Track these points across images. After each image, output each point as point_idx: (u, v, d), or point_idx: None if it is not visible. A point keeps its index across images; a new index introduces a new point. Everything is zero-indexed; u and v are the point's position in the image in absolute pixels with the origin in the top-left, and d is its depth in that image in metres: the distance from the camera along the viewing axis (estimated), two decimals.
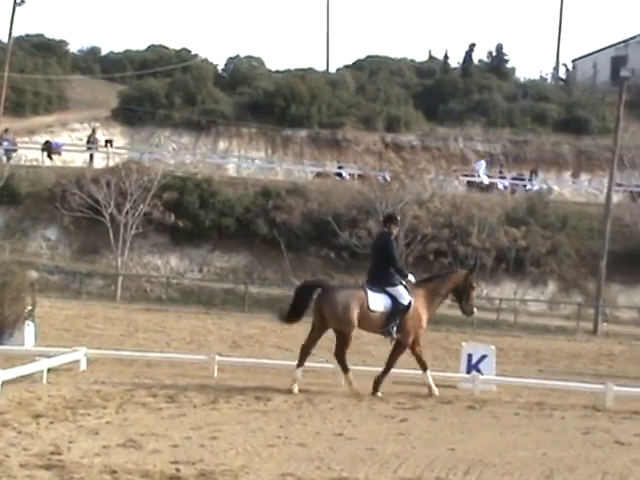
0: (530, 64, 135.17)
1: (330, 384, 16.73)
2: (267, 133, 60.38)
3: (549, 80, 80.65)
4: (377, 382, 15.86)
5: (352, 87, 66.75)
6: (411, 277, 16.17)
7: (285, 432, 11.74)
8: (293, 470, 9.45)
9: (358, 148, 49.36)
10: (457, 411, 14.64)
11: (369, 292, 15.69)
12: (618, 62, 68.02)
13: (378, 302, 15.62)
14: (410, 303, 15.71)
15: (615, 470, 10.41)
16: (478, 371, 17.55)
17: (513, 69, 79.18)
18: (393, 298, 15.70)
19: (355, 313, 15.53)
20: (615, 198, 43.94)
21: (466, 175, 50.97)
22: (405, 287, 15.87)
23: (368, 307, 15.59)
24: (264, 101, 61.20)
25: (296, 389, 15.50)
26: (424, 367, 16.20)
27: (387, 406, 14.62)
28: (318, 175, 51.81)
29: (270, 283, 43.37)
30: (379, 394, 15.62)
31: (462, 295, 16.43)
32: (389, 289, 15.76)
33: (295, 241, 43.70)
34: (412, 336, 15.87)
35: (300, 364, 15.91)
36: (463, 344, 18.50)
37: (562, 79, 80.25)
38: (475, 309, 16.67)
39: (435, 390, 15.99)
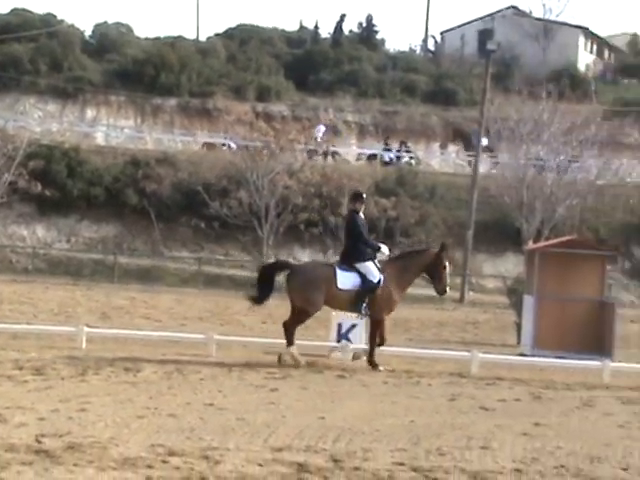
0: (399, 36, 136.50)
1: (200, 354, 16.69)
2: (136, 101, 59.54)
3: (418, 52, 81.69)
4: (370, 363, 15.96)
5: (223, 56, 66.34)
6: (384, 248, 16.11)
7: (155, 403, 11.64)
8: (163, 441, 9.39)
9: (229, 118, 49.12)
10: (327, 380, 14.75)
11: (338, 271, 15.59)
12: (485, 35, 69.30)
13: (346, 281, 15.51)
14: (380, 280, 15.54)
15: (480, 435, 10.66)
16: (348, 340, 17.72)
17: (383, 40, 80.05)
18: (362, 276, 15.55)
19: (322, 295, 15.64)
20: (482, 169, 44.83)
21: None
22: (375, 264, 15.73)
23: (336, 286, 15.52)
24: (133, 69, 60.31)
25: (302, 361, 15.87)
26: (381, 342, 16.14)
27: (257, 376, 14.63)
28: (205, 145, 51.44)
29: (140, 254, 42.96)
30: (380, 368, 15.83)
31: (434, 274, 16.21)
32: (358, 265, 15.57)
33: (165, 211, 43.37)
34: (385, 313, 15.90)
35: (290, 343, 15.94)
36: (333, 314, 18.64)
37: (431, 51, 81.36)
38: (447, 288, 16.45)
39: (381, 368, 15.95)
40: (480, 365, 16.63)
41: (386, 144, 54.10)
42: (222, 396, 12.54)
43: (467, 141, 52.31)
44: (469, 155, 51.20)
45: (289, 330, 15.91)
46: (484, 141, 49.91)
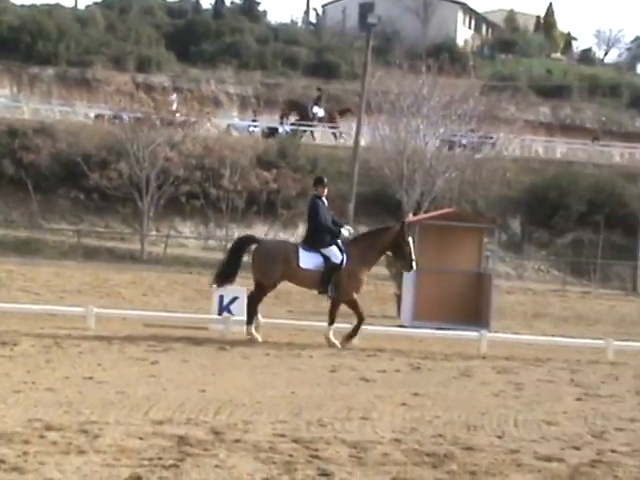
0: (281, 8, 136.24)
1: (79, 328, 16.44)
2: (12, 70, 58.03)
3: (300, 24, 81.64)
4: (354, 334, 16.41)
5: (102, 25, 65.16)
6: (344, 231, 16.38)
7: (33, 377, 11.42)
8: (41, 415, 9.22)
9: (109, 88, 48.18)
10: (208, 352, 14.71)
11: (301, 250, 16.06)
12: (366, 9, 69.64)
13: (308, 260, 15.93)
14: (342, 261, 15.90)
15: (360, 406, 10.77)
16: (229, 312, 17.68)
17: (265, 12, 79.79)
18: (325, 257, 15.93)
19: (278, 269, 16.04)
20: (363, 142, 45.08)
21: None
22: (339, 245, 16.07)
23: (297, 264, 15.95)
24: (9, 36, 58.68)
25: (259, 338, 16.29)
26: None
27: (138, 349, 14.48)
28: (97, 117, 50.39)
29: (17, 225, 41.96)
30: (336, 344, 16.17)
31: (398, 251, 16.49)
32: (322, 250, 15.97)
33: (43, 182, 42.41)
34: (352, 292, 16.19)
35: (250, 320, 16.35)
36: (214, 286, 18.57)
37: (312, 24, 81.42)
38: (414, 264, 16.47)
39: (336, 344, 16.23)
40: (361, 336, 16.79)
41: (281, 117, 53.90)
42: (101, 369, 12.38)
43: (304, 111, 52.19)
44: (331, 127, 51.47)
45: (250, 305, 16.39)
46: (319, 112, 50.19)
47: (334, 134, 51.56)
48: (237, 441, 8.66)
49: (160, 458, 7.89)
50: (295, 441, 8.82)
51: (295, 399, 10.99)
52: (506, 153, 46.23)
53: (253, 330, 16.21)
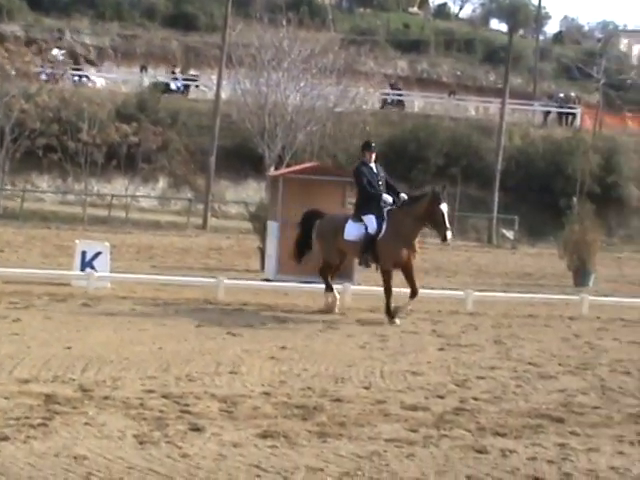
0: None
1: None
2: None
3: None
4: (388, 311, 15.12)
5: None
6: (385, 197, 15.23)
7: None
8: None
9: None
10: (72, 309, 14.49)
11: (349, 222, 15.50)
12: None
13: (352, 231, 15.34)
14: (378, 231, 15.02)
15: (228, 360, 10.80)
16: (92, 268, 17.41)
17: None
18: (365, 227, 15.25)
19: (332, 246, 15.78)
20: (224, 95, 44.76)
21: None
22: (381, 214, 15.11)
23: (342, 237, 15.47)
24: None
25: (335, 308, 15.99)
26: (412, 294, 15.45)
27: None
28: None
29: None
30: (397, 321, 14.96)
31: (431, 220, 15.01)
32: (364, 217, 15.24)
33: None
34: (387, 263, 15.16)
35: (328, 288, 16.10)
36: (77, 242, 18.22)
37: None
38: (448, 233, 14.88)
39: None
40: (226, 291, 16.79)
41: (173, 72, 53.00)
42: None
43: None
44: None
45: (322, 276, 16.11)
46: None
47: None
48: (106, 398, 8.59)
49: (27, 417, 7.77)
50: (165, 397, 8.80)
51: (163, 354, 10.95)
52: (365, 107, 46.55)
53: (335, 295, 16.04)
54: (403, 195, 15.43)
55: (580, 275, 23.93)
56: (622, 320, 16.73)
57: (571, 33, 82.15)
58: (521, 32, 75.82)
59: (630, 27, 75.91)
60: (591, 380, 11.07)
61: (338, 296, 15.96)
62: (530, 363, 11.95)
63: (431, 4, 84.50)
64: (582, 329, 15.57)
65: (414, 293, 15.29)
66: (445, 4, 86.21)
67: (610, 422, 8.98)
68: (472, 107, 56.60)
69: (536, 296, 19.56)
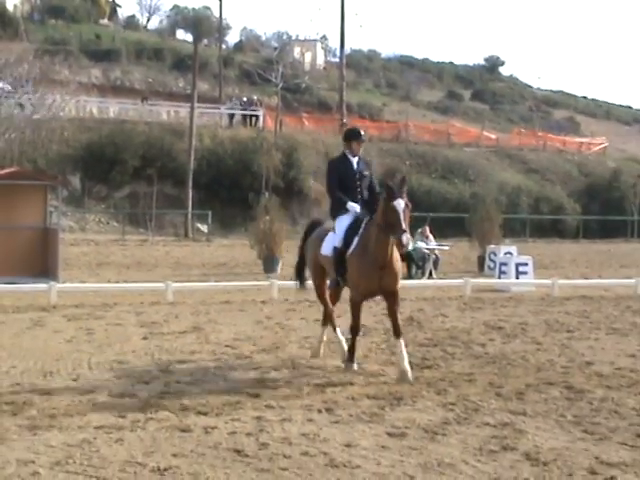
0: None
1: None
2: None
3: None
4: (349, 351, 10.76)
5: None
6: (351, 205, 10.67)
7: None
8: None
9: None
10: None
11: (330, 233, 10.94)
12: None
13: (328, 244, 10.89)
14: (345, 244, 10.53)
15: None
16: None
17: None
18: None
19: (313, 260, 11.36)
20: None
21: None
22: (351, 223, 10.61)
23: (320, 251, 11.10)
24: None
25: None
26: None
27: None
28: None
29: None
30: (354, 365, 10.66)
31: (386, 222, 9.96)
32: (335, 226, 10.86)
33: None
34: (352, 288, 10.54)
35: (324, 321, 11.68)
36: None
37: None
38: (404, 238, 9.70)
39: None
40: None
41: None
42: None
43: None
44: None
45: (320, 302, 11.70)
46: None
47: None
48: None
49: None
50: None
51: None
52: (62, 113, 45.23)
53: (322, 338, 11.56)
54: (351, 205, 10.77)
55: (269, 262, 24.48)
56: (307, 301, 17.29)
57: (250, 42, 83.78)
58: (205, 42, 76.49)
59: (302, 37, 78.38)
60: (282, 357, 11.39)
61: (325, 339, 11.55)
62: (227, 346, 12.13)
63: (120, 16, 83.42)
64: (273, 311, 15.98)
65: (396, 330, 10.33)
66: (133, 16, 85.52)
67: (300, 393, 9.28)
68: (164, 112, 56.30)
69: (231, 284, 19.85)
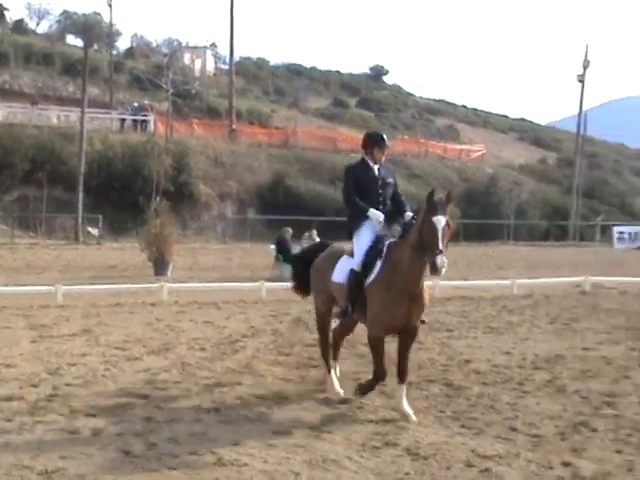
0: None
1: None
2: None
3: None
4: (368, 387, 8.87)
5: None
6: (375, 213, 8.82)
7: None
8: None
9: None
10: None
11: (344, 257, 9.23)
12: None
13: (343, 270, 9.08)
14: (364, 269, 8.68)
15: None
16: None
17: None
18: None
19: (320, 287, 9.57)
20: None
21: None
22: (374, 242, 8.77)
23: (330, 278, 9.28)
24: None
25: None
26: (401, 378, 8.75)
27: None
28: None
29: None
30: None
31: (422, 240, 8.11)
32: (354, 244, 9.04)
33: None
34: (376, 324, 8.55)
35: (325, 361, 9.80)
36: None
37: None
38: (439, 261, 7.87)
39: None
40: None
41: None
42: None
43: None
44: None
45: (319, 336, 9.90)
46: None
47: None
48: None
49: None
50: None
51: None
52: None
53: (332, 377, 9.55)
54: (408, 214, 8.85)
55: (159, 265, 24.26)
56: (197, 303, 17.21)
57: (141, 48, 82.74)
58: (96, 47, 75.20)
59: (192, 44, 77.87)
60: (172, 358, 11.30)
61: (335, 378, 9.58)
62: (117, 348, 11.96)
63: (9, 20, 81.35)
64: (163, 313, 15.83)
65: (402, 375, 8.71)
66: (22, 20, 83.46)
67: (189, 394, 9.23)
68: (54, 116, 55.15)
69: (121, 286, 19.56)
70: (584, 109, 64.58)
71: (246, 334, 13.45)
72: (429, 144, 64.97)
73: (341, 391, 9.24)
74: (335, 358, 9.82)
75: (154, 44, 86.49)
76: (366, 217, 8.81)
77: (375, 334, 8.56)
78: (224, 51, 72.18)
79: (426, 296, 8.63)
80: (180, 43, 78.85)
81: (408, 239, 8.32)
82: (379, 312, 8.44)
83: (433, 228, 8.00)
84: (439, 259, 7.87)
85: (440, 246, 7.93)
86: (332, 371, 9.54)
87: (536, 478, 6.74)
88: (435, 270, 7.91)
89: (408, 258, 8.26)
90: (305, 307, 17.13)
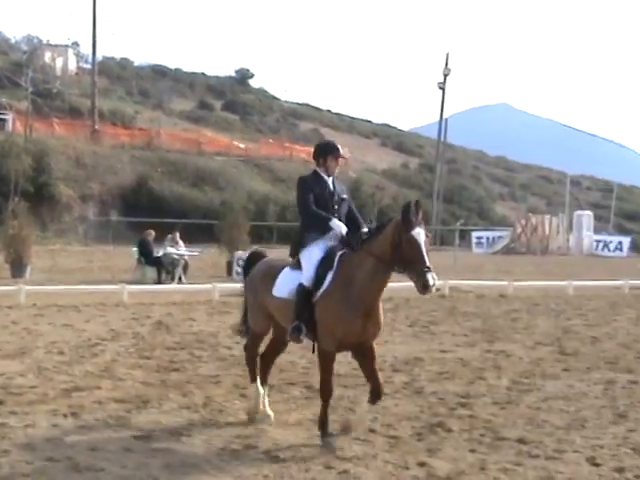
0: None
1: None
2: None
3: None
4: (321, 423, 7.92)
5: None
6: (338, 225, 8.15)
7: None
8: None
9: None
10: None
11: (286, 269, 8.36)
12: None
13: (285, 284, 8.24)
14: (316, 283, 7.97)
15: None
16: None
17: None
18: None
19: (257, 302, 8.63)
20: None
21: None
22: (325, 254, 8.08)
23: (271, 292, 8.38)
24: None
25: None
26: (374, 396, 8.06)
27: None
28: None
29: None
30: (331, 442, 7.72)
31: (400, 259, 7.62)
32: (301, 257, 8.24)
33: None
34: (327, 339, 7.90)
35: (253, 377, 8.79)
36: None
37: None
38: (429, 278, 7.43)
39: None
40: None
41: None
42: None
43: None
44: None
45: (246, 355, 8.89)
46: None
47: None
48: None
49: None
50: None
51: None
52: None
53: (259, 392, 8.61)
54: (364, 230, 8.24)
55: (17, 267, 23.65)
56: (56, 306, 16.84)
57: None
58: None
59: (53, 42, 75.99)
60: (28, 362, 11.02)
61: (262, 392, 8.64)
62: None
63: None
64: (20, 316, 15.42)
65: (377, 393, 8.03)
66: None
67: (46, 399, 9.02)
68: None
69: None
70: (445, 116, 66.14)
71: (106, 337, 13.24)
72: (293, 148, 65.34)
73: (272, 414, 8.49)
74: (264, 381, 8.75)
75: (13, 41, 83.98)
76: (326, 229, 8.15)
77: (327, 348, 7.90)
78: (87, 50, 70.73)
79: (381, 312, 8.05)
80: (40, 40, 76.78)
81: (371, 249, 7.75)
82: (332, 325, 7.79)
83: (415, 244, 7.50)
84: (429, 277, 7.39)
85: (427, 262, 7.44)
86: (260, 392, 8.59)
87: (393, 478, 6.86)
88: (425, 289, 7.41)
89: (370, 269, 7.72)
90: (167, 310, 17.00)
